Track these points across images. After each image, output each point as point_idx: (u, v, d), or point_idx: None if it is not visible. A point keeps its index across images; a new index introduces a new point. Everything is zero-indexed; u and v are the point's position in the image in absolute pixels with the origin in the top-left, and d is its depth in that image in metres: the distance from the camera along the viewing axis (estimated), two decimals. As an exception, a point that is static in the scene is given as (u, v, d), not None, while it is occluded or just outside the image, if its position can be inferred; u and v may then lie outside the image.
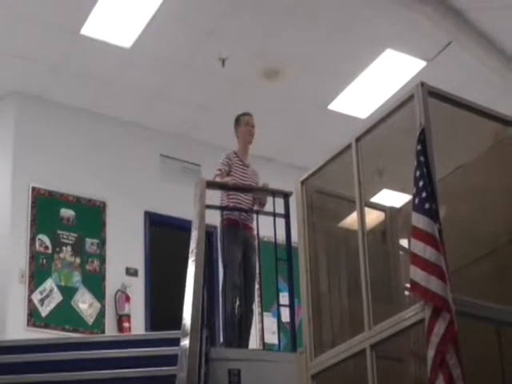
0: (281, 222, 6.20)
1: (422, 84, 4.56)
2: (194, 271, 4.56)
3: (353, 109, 9.42)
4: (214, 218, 6.28)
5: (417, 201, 4.23)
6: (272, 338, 6.54)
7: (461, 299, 4.17)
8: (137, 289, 9.13)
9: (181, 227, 8.80)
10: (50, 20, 7.98)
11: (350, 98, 9.30)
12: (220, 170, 6.61)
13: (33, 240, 8.67)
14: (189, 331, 3.88)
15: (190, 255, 4.87)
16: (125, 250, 9.17)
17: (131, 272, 9.18)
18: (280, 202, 6.32)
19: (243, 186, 6.54)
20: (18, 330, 7.97)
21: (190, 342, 3.73)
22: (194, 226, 5.25)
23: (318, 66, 8.78)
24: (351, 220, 5.34)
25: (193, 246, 4.97)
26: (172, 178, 9.63)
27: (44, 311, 8.56)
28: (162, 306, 9.24)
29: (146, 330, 8.86)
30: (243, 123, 6.93)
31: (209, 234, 7.25)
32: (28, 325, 8.38)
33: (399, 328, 4.45)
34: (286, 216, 6.16)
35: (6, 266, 8.39)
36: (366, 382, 4.66)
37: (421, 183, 4.22)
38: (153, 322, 9.05)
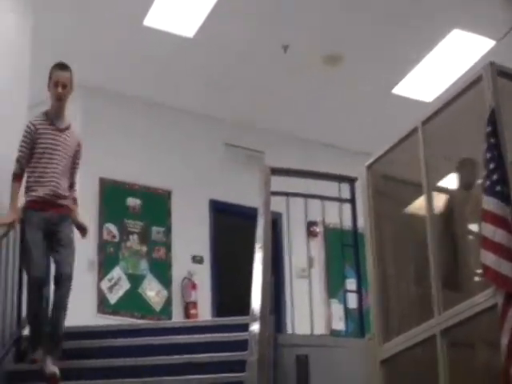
0: (347, 207, 6.16)
1: (491, 64, 4.47)
2: (261, 257, 4.56)
3: (418, 92, 9.30)
4: (279, 205, 6.26)
5: (488, 183, 4.16)
6: (338, 325, 6.52)
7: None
8: (203, 276, 9.21)
9: (245, 214, 8.82)
10: (112, 11, 8.05)
11: (414, 82, 9.18)
12: (19, 153, 5.38)
13: (101, 229, 8.81)
14: (258, 316, 3.89)
15: (256, 242, 4.88)
16: (190, 238, 9.24)
17: (197, 259, 9.26)
18: (345, 187, 6.27)
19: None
20: (89, 317, 8.09)
21: (260, 327, 3.74)
22: (260, 213, 5.24)
23: (380, 49, 8.67)
24: (418, 204, 5.29)
25: (259, 232, 4.97)
26: (236, 166, 9.67)
27: (112, 299, 8.69)
28: (228, 293, 9.28)
29: (213, 316, 8.91)
30: (53, 81, 5.44)
31: (274, 221, 7.24)
32: (98, 312, 8.53)
33: (470, 313, 4.40)
34: (352, 201, 6.12)
35: (75, 256, 8.51)
36: (437, 367, 4.62)
37: (492, 165, 4.15)
38: (219, 309, 9.11)
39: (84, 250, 8.50)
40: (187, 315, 8.91)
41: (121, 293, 8.76)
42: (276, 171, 5.89)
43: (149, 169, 9.23)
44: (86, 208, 8.69)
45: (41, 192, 5.29)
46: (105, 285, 8.69)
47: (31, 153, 5.38)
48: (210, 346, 5.22)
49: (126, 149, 9.13)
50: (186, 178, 9.40)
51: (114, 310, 8.62)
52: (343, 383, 5.32)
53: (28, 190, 5.35)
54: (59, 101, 5.47)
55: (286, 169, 6.17)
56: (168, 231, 9.18)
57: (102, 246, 8.77)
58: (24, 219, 5.30)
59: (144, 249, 8.99)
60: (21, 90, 6.05)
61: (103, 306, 8.60)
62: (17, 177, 5.38)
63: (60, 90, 5.43)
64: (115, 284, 8.75)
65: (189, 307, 8.97)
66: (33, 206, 5.29)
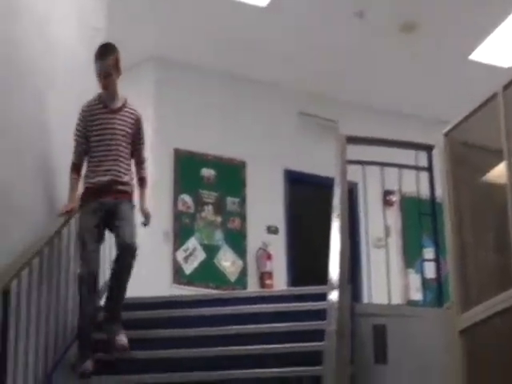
0: (424, 176, 6.08)
1: None
2: (339, 226, 4.53)
3: (496, 58, 9.10)
4: (354, 175, 6.22)
5: None
6: (414, 295, 6.46)
7: None
8: (278, 246, 9.23)
9: (320, 184, 8.79)
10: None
11: (492, 47, 8.98)
12: (75, 142, 5.23)
13: (176, 200, 8.89)
14: (336, 285, 3.87)
15: (333, 211, 4.85)
16: (265, 209, 9.27)
17: (272, 230, 9.28)
18: (422, 156, 6.18)
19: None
20: (164, 288, 8.19)
21: (339, 296, 3.72)
22: (337, 182, 5.20)
23: (457, 14, 8.48)
24: (498, 172, 5.18)
25: (336, 201, 4.94)
26: (310, 136, 9.64)
27: (188, 269, 8.78)
28: (303, 263, 9.29)
29: (288, 286, 8.93)
30: (96, 71, 5.26)
31: (350, 191, 7.19)
32: (173, 282, 8.62)
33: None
34: (429, 170, 6.03)
35: (151, 226, 8.58)
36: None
37: None
38: (294, 279, 9.12)
39: (159, 221, 8.63)
40: (262, 285, 8.95)
41: (196, 263, 8.84)
42: (352, 140, 5.83)
43: (223, 139, 9.27)
44: (161, 179, 8.83)
45: (98, 180, 5.08)
46: (180, 255, 8.78)
47: (87, 140, 5.18)
48: (287, 316, 5.24)
49: (200, 120, 9.18)
50: (260, 149, 9.41)
51: (189, 280, 8.71)
52: (421, 353, 5.27)
53: (86, 177, 5.16)
54: (106, 89, 5.24)
55: (362, 137, 6.10)
56: (243, 202, 9.22)
57: (177, 216, 8.86)
58: (81, 206, 5.10)
59: (219, 219, 9.05)
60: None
61: (178, 276, 8.70)
62: (75, 167, 5.20)
63: (103, 80, 5.20)
64: (190, 254, 8.84)
65: (264, 277, 9.01)
66: (90, 193, 5.09)
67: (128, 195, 5.18)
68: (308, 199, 9.46)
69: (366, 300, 7.33)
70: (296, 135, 9.65)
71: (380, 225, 6.47)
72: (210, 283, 8.76)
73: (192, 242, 8.88)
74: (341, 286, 3.84)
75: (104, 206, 5.05)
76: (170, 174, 8.93)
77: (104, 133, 5.16)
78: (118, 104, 5.27)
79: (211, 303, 5.69)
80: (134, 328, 5.25)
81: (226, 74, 9.36)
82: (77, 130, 5.21)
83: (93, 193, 5.07)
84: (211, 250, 8.94)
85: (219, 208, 9.08)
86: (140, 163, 5.35)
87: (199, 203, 9.00)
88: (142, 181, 5.35)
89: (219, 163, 9.20)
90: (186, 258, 8.80)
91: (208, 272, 8.86)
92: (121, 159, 5.15)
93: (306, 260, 9.26)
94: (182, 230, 8.85)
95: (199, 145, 9.11)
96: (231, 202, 9.17)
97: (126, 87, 9.29)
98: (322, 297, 4.88)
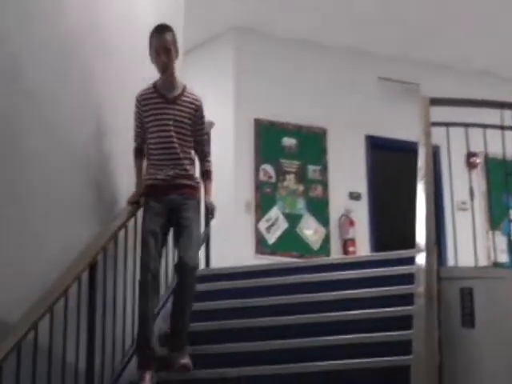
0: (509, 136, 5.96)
1: None
2: (424, 189, 4.49)
3: None
4: (436, 138, 6.13)
5: None
6: (500, 257, 6.37)
7: None
8: (360, 213, 9.19)
9: (402, 149, 8.73)
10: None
11: None
12: (134, 132, 4.93)
13: (257, 170, 8.92)
14: (424, 248, 3.85)
15: (418, 173, 4.81)
16: (347, 175, 9.23)
17: (354, 196, 9.23)
18: (507, 116, 6.05)
19: None
20: (248, 258, 8.24)
21: (426, 258, 3.70)
22: (421, 144, 5.15)
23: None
24: None
25: (421, 163, 4.89)
26: (391, 100, 9.53)
27: (270, 239, 8.81)
28: (386, 229, 9.24)
29: (371, 253, 8.89)
30: (153, 49, 4.81)
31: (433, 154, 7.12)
32: (256, 252, 8.68)
33: None
34: (515, 129, 5.90)
35: (233, 197, 8.69)
36: None
37: None
38: (377, 245, 9.08)
39: (241, 192, 8.72)
40: (345, 252, 8.93)
41: (278, 233, 8.87)
42: (436, 101, 5.73)
43: (303, 108, 9.24)
44: (242, 149, 8.88)
45: (161, 175, 4.75)
46: (263, 225, 8.83)
47: (144, 132, 4.86)
48: (374, 281, 5.23)
49: (280, 89, 9.17)
50: (340, 115, 9.36)
51: (272, 250, 8.75)
52: (510, 315, 5.20)
53: (148, 173, 4.84)
54: (165, 71, 4.79)
55: (446, 99, 5.99)
56: (324, 169, 9.20)
57: (259, 186, 8.89)
58: (144, 206, 4.77)
59: (301, 188, 9.05)
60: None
61: (261, 246, 8.74)
62: (138, 151, 4.91)
63: (163, 57, 4.76)
64: (273, 224, 8.87)
65: (347, 244, 8.99)
66: (153, 191, 4.76)
67: (194, 191, 4.85)
68: (390, 164, 9.39)
69: (451, 264, 7.25)
70: (376, 100, 9.55)
71: (463, 187, 6.39)
72: (292, 252, 8.77)
73: (274, 212, 8.90)
74: (428, 249, 3.82)
75: (168, 205, 4.72)
76: (250, 144, 8.96)
77: (160, 124, 4.78)
78: (176, 92, 4.84)
79: (297, 271, 5.72)
80: (220, 298, 5.36)
81: (305, 42, 9.31)
82: (135, 120, 4.90)
83: (156, 190, 4.75)
84: (293, 219, 8.95)
85: (301, 176, 9.07)
86: (204, 156, 5.00)
87: (280, 172, 9.01)
88: (206, 174, 5.00)
89: (300, 132, 9.17)
90: (269, 228, 8.84)
91: (291, 241, 8.88)
92: (181, 151, 4.79)
93: (389, 226, 9.22)
94: (263, 200, 8.88)
95: (279, 114, 9.11)
96: (312, 170, 9.15)
97: (206, 58, 9.40)
98: (407, 261, 4.88)
